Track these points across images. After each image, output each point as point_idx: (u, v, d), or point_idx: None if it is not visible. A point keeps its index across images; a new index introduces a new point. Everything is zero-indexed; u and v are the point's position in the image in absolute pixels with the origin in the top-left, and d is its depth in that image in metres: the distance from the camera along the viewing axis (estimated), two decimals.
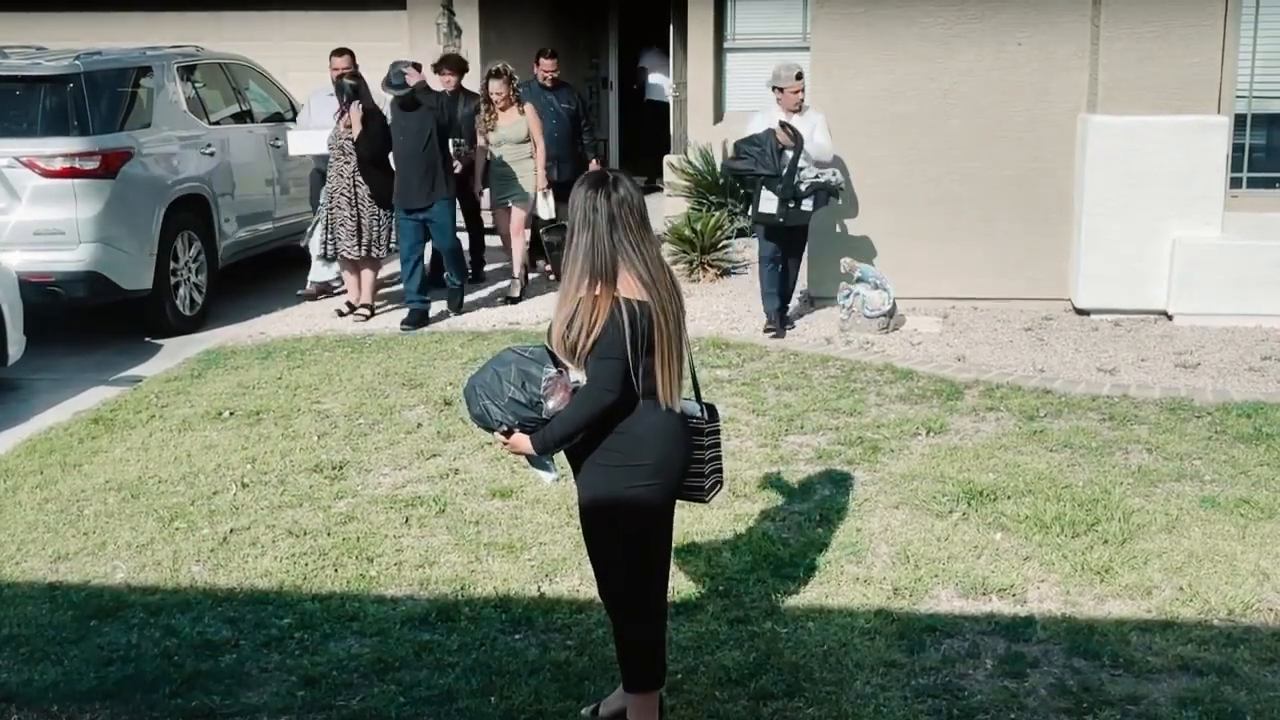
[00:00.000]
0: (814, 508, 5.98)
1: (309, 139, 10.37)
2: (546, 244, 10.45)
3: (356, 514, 6.01)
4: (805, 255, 9.54)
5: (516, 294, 10.34)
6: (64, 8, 12.89)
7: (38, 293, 8.51)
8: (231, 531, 5.85)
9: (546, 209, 10.33)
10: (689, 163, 12.81)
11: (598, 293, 3.81)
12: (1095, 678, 4.54)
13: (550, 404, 3.87)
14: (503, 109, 10.28)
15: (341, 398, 7.76)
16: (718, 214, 11.67)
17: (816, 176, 8.61)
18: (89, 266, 8.81)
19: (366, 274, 9.93)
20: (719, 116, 13.93)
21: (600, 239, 3.83)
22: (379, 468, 6.60)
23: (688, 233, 11.06)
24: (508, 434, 3.97)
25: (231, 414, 7.48)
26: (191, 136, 9.98)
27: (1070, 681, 4.52)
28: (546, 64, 11.04)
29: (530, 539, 5.70)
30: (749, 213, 8.84)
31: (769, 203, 8.58)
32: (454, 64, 10.89)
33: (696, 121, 13.88)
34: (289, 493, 6.29)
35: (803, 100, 8.89)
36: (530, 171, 10.28)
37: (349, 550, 5.61)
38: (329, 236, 9.82)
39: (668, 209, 13.06)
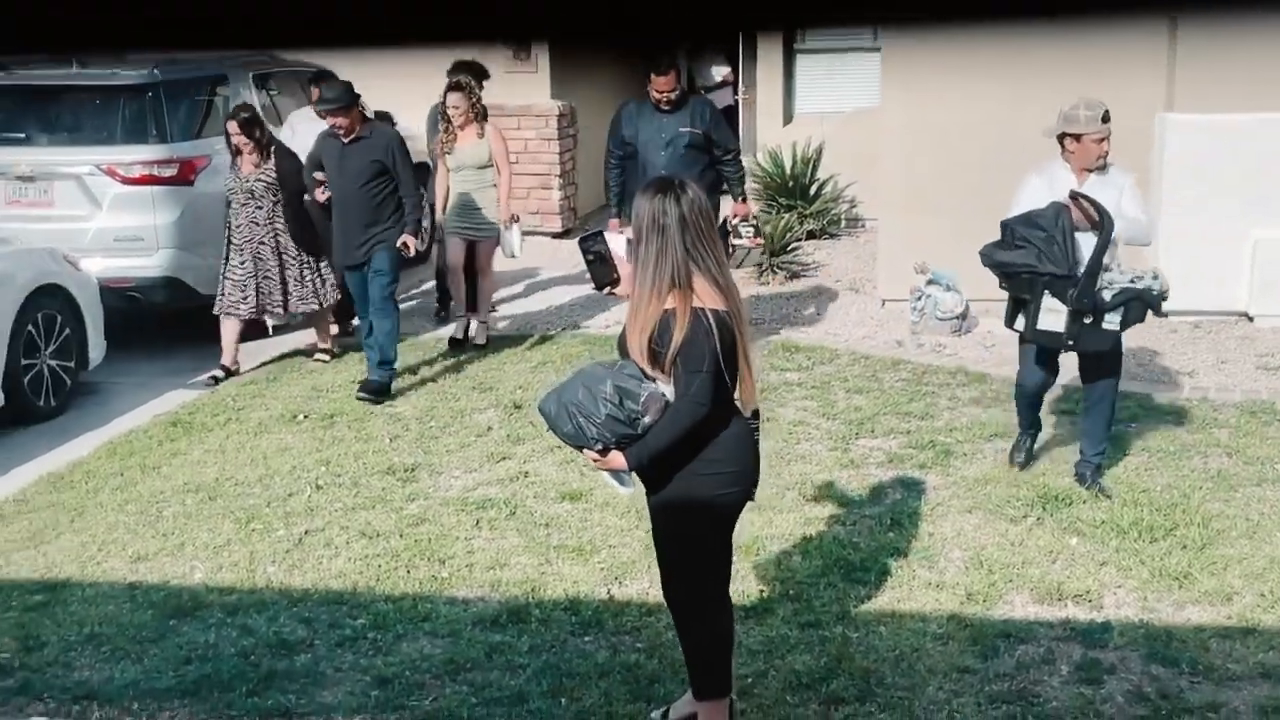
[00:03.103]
0: (885, 512, 5.94)
1: None
2: (585, 250, 8.76)
3: (428, 516, 6.06)
4: (881, 262, 9.32)
5: (460, 335, 9.03)
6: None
7: (117, 298, 8.67)
8: (306, 533, 5.92)
9: (512, 246, 9.00)
10: (758, 165, 12.77)
11: (674, 301, 3.74)
12: (1173, 685, 4.47)
13: (647, 419, 3.78)
14: (461, 127, 8.83)
15: (413, 400, 7.82)
16: (787, 216, 11.63)
17: (1132, 280, 5.73)
18: (167, 272, 8.96)
19: (235, 328, 8.55)
20: (789, 119, 13.88)
21: (672, 244, 3.76)
22: (450, 470, 6.65)
23: None
24: (602, 451, 3.88)
25: (306, 417, 7.57)
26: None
27: (1148, 688, 4.45)
28: (660, 82, 8.24)
29: (600, 542, 5.71)
30: (1015, 325, 6.09)
31: (1053, 316, 5.74)
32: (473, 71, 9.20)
33: (766, 124, 13.84)
34: (362, 495, 6.35)
35: (1106, 155, 6.02)
36: (493, 201, 8.92)
37: (421, 552, 5.66)
38: (260, 296, 8.50)
39: None
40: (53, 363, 7.84)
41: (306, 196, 8.46)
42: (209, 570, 5.59)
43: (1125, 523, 5.65)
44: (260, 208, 8.43)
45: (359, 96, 8.05)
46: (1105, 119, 5.96)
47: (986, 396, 7.56)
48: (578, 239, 4.24)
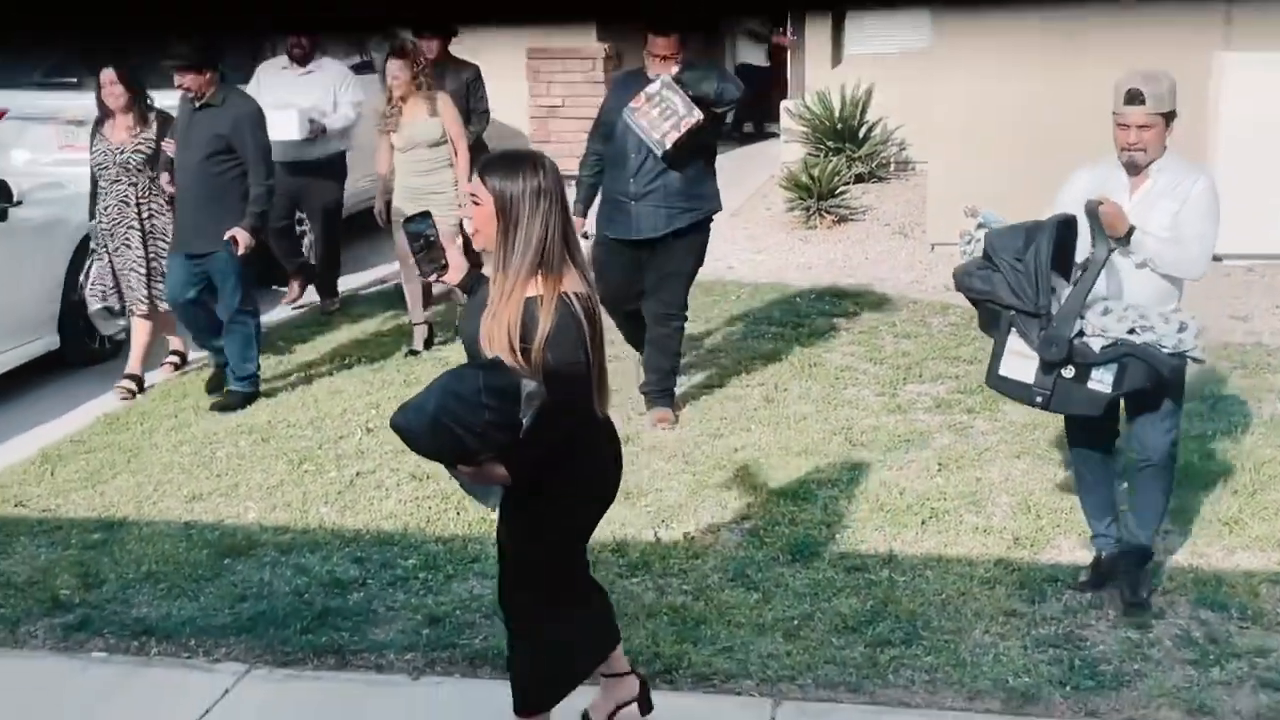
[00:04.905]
0: (932, 456, 5.93)
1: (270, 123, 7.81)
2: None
3: None
4: (930, 205, 9.03)
5: (419, 346, 7.79)
6: None
7: None
8: (357, 474, 5.99)
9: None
10: (806, 108, 12.67)
11: (538, 287, 3.32)
12: (1222, 629, 4.46)
13: (526, 421, 3.28)
14: (403, 99, 7.60)
15: (459, 345, 7.85)
16: (835, 159, 11.55)
17: (1132, 330, 4.38)
18: None
19: (145, 329, 7.36)
20: (838, 61, 13.74)
21: (554, 224, 3.33)
22: None
23: (804, 179, 10.96)
24: (479, 464, 3.37)
25: (356, 360, 7.63)
26: None
27: (1196, 633, 4.44)
28: (660, 44, 6.26)
29: (646, 485, 5.74)
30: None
31: (1020, 362, 4.48)
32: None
33: (815, 66, 13.71)
34: None
35: (1146, 148, 4.50)
36: (450, 184, 7.65)
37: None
38: (113, 284, 7.24)
39: (784, 155, 12.96)
40: None
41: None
42: (262, 510, 5.67)
43: (1176, 467, 5.61)
44: (134, 184, 7.12)
45: (217, 58, 6.86)
46: (1134, 99, 4.43)
47: None
48: (402, 220, 3.90)
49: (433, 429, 3.29)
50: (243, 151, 6.75)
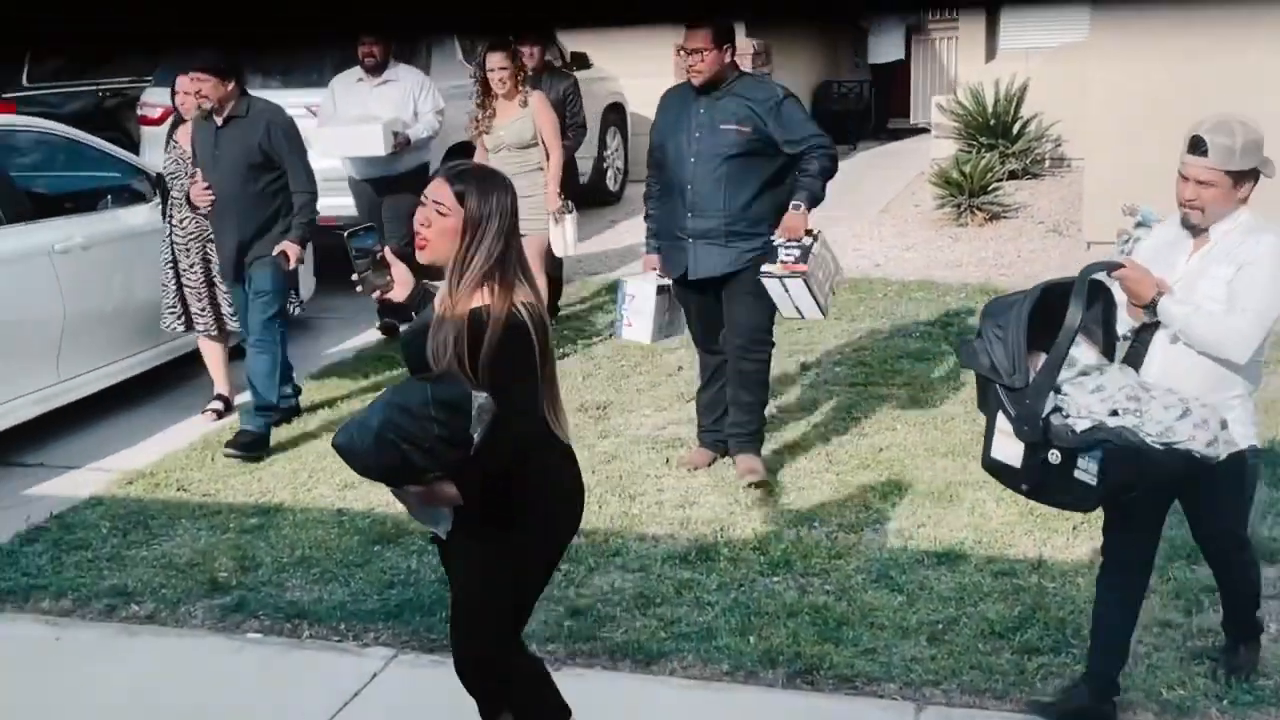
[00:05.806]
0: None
1: (347, 138, 7.67)
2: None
3: (619, 453, 6.15)
4: (1086, 203, 8.78)
5: None
6: None
7: (325, 236, 8.95)
8: None
9: (563, 242, 7.36)
10: (958, 103, 12.46)
11: (486, 297, 3.18)
12: None
13: (477, 436, 3.10)
14: (508, 96, 7.25)
15: (606, 340, 7.92)
16: (988, 156, 11.34)
17: (1115, 411, 3.63)
18: None
19: (217, 351, 7.01)
20: (991, 55, 13.48)
21: (502, 235, 3.21)
22: (640, 409, 6.73)
23: (956, 175, 10.78)
24: (428, 482, 3.19)
25: None
26: (462, 85, 10.27)
27: None
28: (687, 39, 5.52)
29: (789, 483, 5.71)
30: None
31: (1007, 443, 3.72)
32: None
33: (967, 61, 13.48)
34: None
35: (1204, 208, 3.82)
36: (541, 187, 7.25)
37: (612, 488, 5.75)
38: (176, 299, 6.84)
39: (934, 151, 12.76)
40: None
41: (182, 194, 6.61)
42: None
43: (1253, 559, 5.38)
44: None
45: (239, 70, 6.31)
46: (1195, 147, 3.73)
47: None
48: (346, 233, 3.50)
49: (378, 445, 3.11)
50: (280, 158, 6.31)
